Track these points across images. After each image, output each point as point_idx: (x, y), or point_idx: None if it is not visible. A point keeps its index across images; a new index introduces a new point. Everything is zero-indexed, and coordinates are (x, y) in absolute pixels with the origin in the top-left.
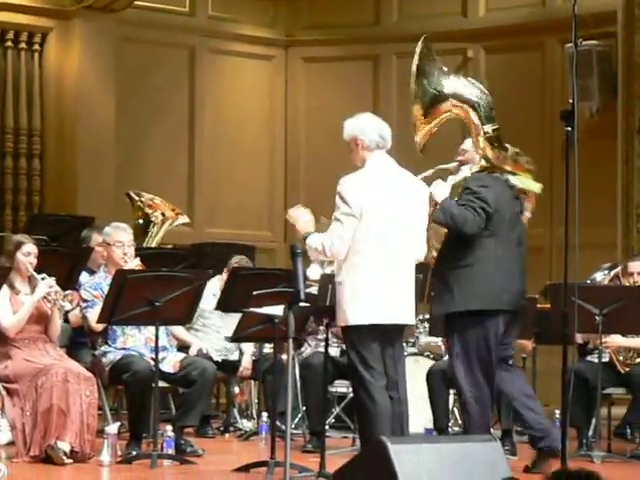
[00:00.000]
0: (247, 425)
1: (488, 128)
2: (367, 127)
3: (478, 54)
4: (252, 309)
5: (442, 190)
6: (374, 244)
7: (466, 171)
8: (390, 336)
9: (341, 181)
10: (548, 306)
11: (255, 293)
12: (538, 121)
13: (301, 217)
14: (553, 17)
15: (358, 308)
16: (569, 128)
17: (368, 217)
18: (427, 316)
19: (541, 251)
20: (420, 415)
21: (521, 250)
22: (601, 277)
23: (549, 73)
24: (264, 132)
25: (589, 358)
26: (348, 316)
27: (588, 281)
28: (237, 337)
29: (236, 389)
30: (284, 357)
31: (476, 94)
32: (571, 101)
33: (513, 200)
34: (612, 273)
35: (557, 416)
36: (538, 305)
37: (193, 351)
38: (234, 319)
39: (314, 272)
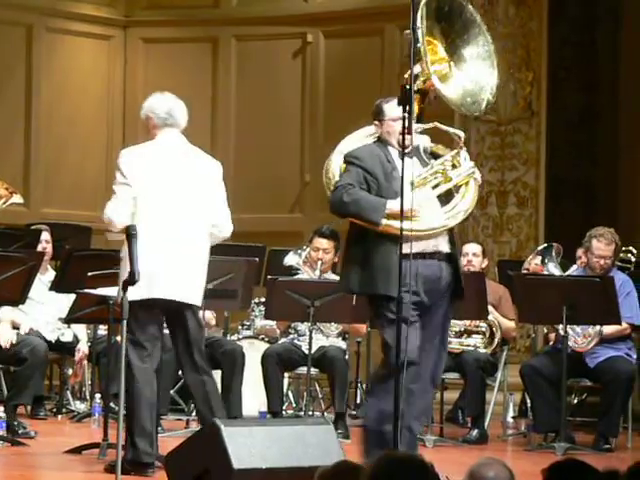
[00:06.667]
0: (80, 407)
1: None
2: (156, 105)
3: (318, 39)
4: (87, 290)
5: None
6: (149, 218)
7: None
8: (177, 316)
9: (121, 152)
10: None
11: (90, 274)
12: None
13: None
14: (393, 3)
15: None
16: (406, 114)
17: (145, 190)
18: (262, 299)
19: None
20: (254, 398)
21: None
22: None
23: (388, 59)
24: (102, 112)
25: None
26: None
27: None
28: (71, 318)
29: (69, 370)
30: (118, 339)
31: None
32: (408, 87)
33: None
34: None
35: None
36: None
37: (24, 330)
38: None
39: None
